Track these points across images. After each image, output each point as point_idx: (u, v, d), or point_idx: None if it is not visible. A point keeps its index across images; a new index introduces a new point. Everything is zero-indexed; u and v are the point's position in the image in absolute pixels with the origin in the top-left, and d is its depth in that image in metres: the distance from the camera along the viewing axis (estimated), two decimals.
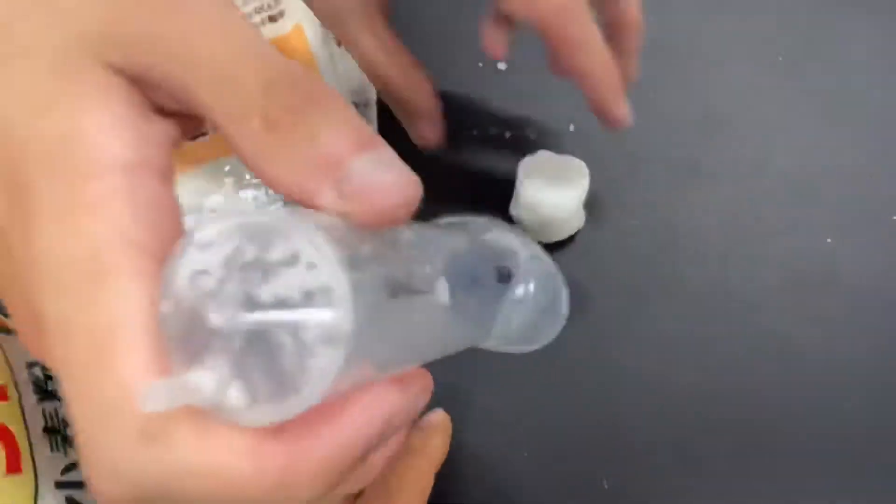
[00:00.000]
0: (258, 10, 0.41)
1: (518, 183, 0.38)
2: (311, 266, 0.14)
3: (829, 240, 0.39)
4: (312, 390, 0.14)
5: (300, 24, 0.40)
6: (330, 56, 0.39)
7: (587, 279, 0.39)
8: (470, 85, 0.43)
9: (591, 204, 0.40)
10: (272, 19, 0.40)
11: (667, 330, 0.38)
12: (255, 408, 0.15)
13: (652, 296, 0.39)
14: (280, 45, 0.40)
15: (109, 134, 0.16)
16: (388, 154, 0.16)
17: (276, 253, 0.15)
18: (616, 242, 0.40)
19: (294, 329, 0.14)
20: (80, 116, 0.16)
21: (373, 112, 0.41)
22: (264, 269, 0.15)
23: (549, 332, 0.34)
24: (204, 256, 0.15)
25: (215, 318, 0.15)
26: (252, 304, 0.15)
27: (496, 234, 0.33)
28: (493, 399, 0.38)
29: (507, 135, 0.42)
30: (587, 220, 0.40)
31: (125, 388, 0.15)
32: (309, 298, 0.14)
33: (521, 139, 0.42)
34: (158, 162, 0.17)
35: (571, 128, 0.42)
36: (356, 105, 0.41)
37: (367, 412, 0.17)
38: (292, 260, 0.14)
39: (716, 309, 0.39)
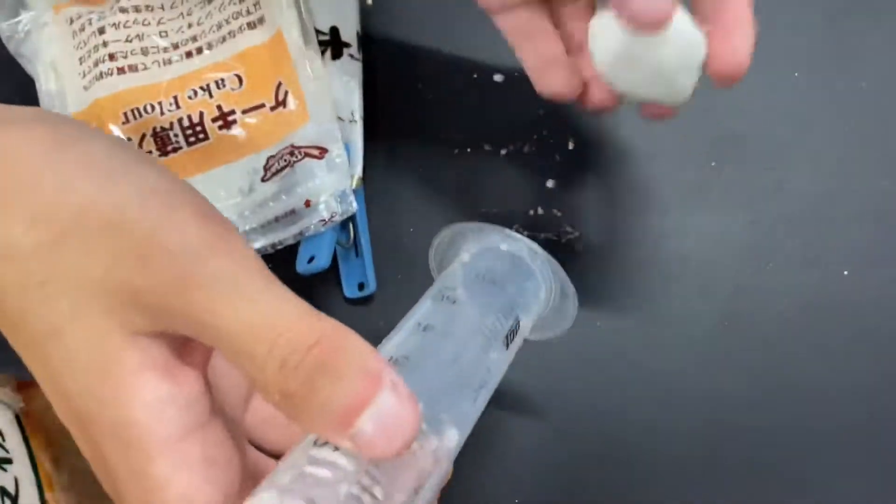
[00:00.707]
0: (236, 16, 0.38)
1: (593, 34, 0.27)
2: None
3: (846, 272, 0.37)
4: None
5: (281, 31, 0.37)
6: (311, 68, 0.36)
7: (591, 314, 0.37)
8: (469, 96, 0.40)
9: (593, 233, 0.37)
10: (251, 26, 0.37)
11: (675, 367, 0.36)
12: None
13: (660, 331, 0.37)
14: (259, 54, 0.37)
15: (158, 418, 0.19)
16: (389, 397, 0.18)
17: None
18: (622, 274, 0.37)
19: None
20: (130, 408, 0.19)
21: (358, 127, 0.38)
22: None
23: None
24: None
25: None
26: None
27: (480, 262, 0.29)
28: (491, 439, 0.36)
29: (503, 152, 0.39)
30: (586, 252, 0.37)
31: None
32: None
33: (517, 154, 0.39)
34: (198, 417, 0.20)
35: (571, 145, 0.39)
36: (340, 119, 0.38)
37: None
38: None
39: (727, 345, 0.36)
